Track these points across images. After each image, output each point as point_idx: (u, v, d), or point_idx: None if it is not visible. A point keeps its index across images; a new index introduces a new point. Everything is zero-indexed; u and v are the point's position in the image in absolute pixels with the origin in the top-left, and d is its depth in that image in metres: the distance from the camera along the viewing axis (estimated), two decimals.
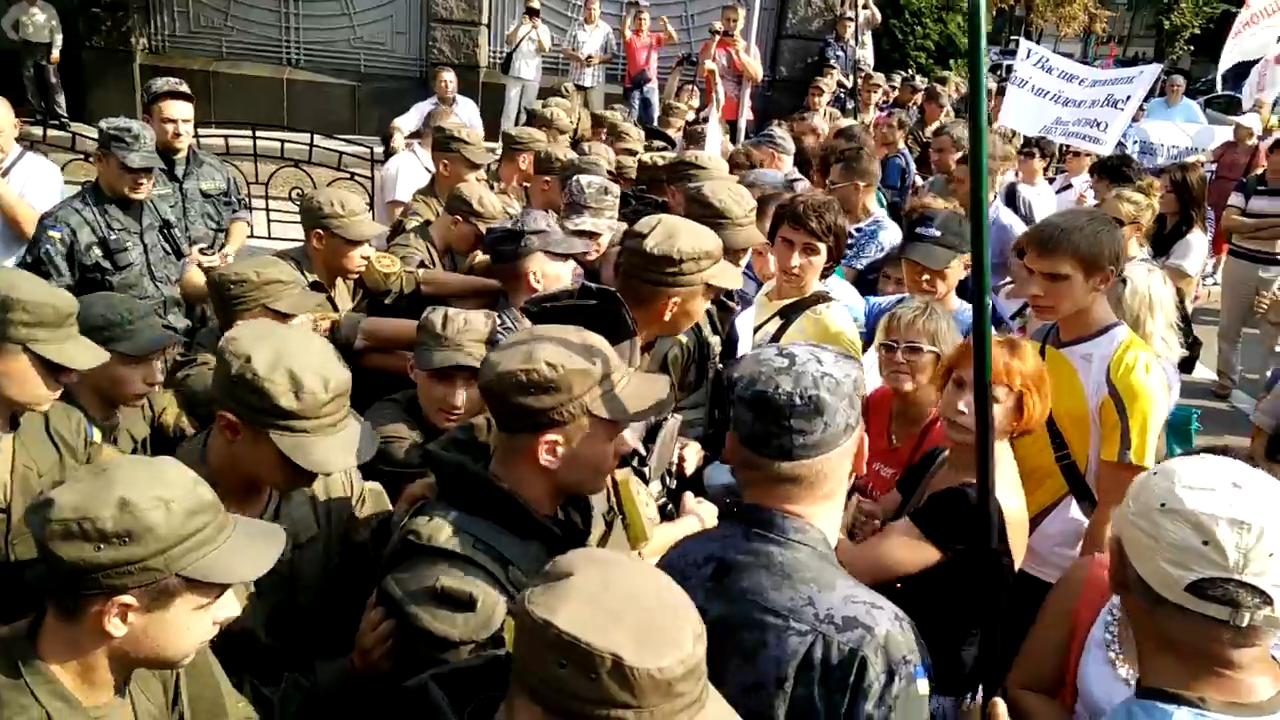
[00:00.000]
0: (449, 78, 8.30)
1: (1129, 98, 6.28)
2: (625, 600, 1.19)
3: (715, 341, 3.10)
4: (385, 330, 3.31)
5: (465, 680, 1.36)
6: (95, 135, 4.03)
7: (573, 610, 1.16)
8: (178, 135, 4.49)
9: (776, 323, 3.38)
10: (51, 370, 2.20)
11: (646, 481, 2.40)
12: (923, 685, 1.55)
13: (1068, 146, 7.62)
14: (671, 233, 2.45)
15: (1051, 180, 7.88)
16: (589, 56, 11.46)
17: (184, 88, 4.61)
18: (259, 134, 9.06)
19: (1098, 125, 6.46)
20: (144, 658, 1.52)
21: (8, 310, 2.13)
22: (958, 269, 3.48)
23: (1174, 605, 1.39)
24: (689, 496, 2.49)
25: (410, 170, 5.72)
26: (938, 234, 3.45)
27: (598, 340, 1.83)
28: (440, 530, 1.74)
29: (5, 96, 4.24)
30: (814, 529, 1.65)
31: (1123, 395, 2.84)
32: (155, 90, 4.52)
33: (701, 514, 2.44)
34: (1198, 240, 6.26)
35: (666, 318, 2.49)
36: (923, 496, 2.50)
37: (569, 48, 11.64)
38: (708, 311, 3.02)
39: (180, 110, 4.50)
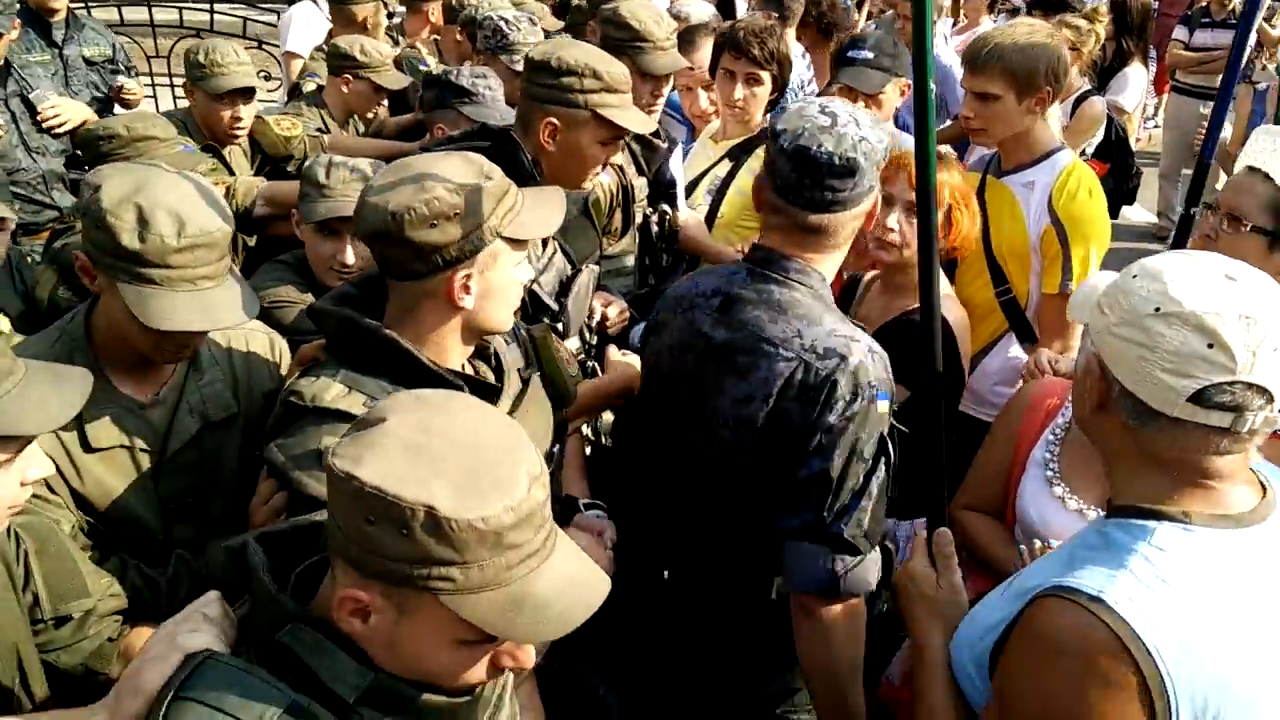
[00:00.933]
0: None
1: None
2: (446, 445, 1.06)
3: (641, 184, 2.90)
4: (285, 193, 3.05)
5: (298, 540, 1.22)
6: None
7: (381, 461, 1.03)
8: None
9: (726, 165, 3.19)
10: None
11: (563, 338, 2.25)
12: (882, 405, 1.78)
13: None
14: (560, 44, 2.23)
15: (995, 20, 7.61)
16: None
17: None
18: (155, 4, 8.44)
19: None
20: None
21: None
22: (893, 94, 3.29)
23: (1170, 419, 1.26)
24: (613, 349, 2.35)
25: (305, 17, 5.30)
26: (870, 55, 3.23)
27: (477, 158, 1.63)
28: (326, 389, 1.58)
29: None
30: (815, 273, 1.85)
31: (1065, 223, 2.73)
32: None
33: (629, 365, 2.31)
34: (1136, 73, 6.07)
35: (549, 146, 2.23)
36: None
37: None
38: (631, 151, 2.82)
39: None
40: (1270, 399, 1.23)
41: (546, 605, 1.06)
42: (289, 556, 1.19)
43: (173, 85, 8.02)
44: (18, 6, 3.87)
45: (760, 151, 3.08)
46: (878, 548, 1.82)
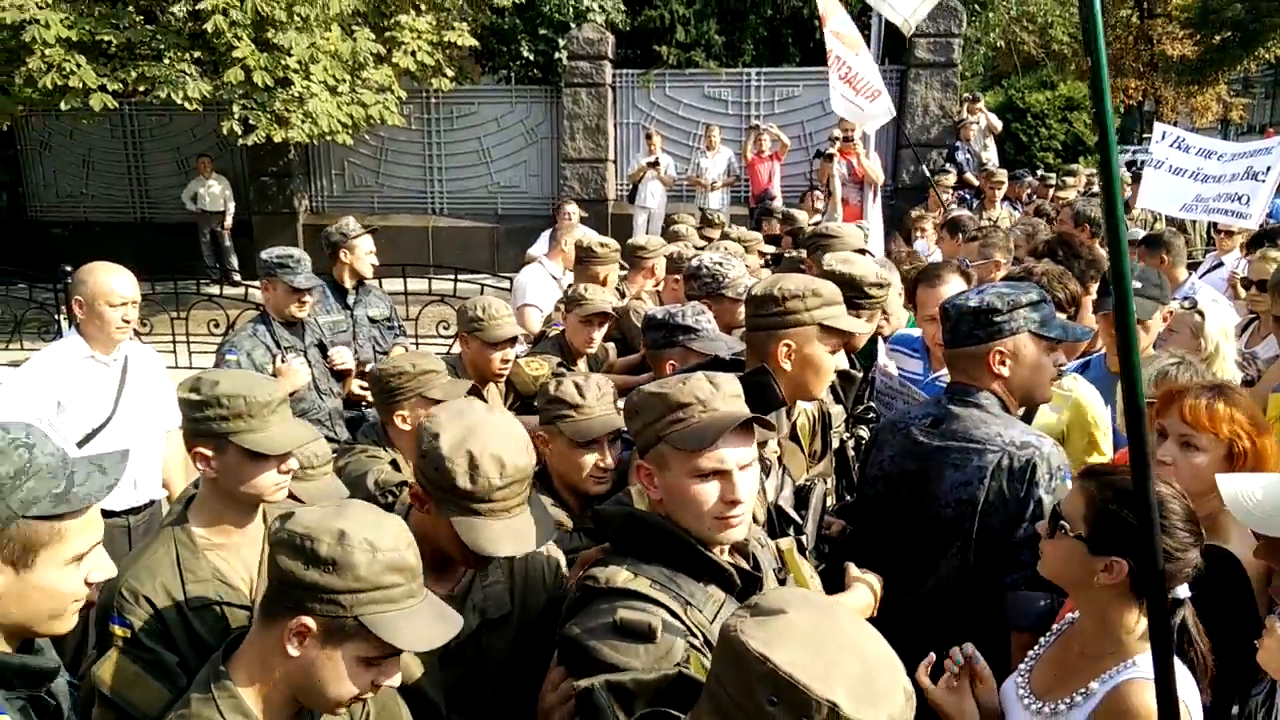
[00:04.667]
0: (569, 209, 8.61)
1: (1269, 169, 6.10)
2: (842, 647, 1.18)
3: (838, 411, 3.05)
4: (527, 425, 3.41)
5: (635, 692, 1.38)
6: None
7: (791, 649, 1.15)
8: (373, 265, 5.06)
9: None
10: (257, 459, 2.22)
11: (804, 551, 2.35)
12: (1069, 482, 2.27)
13: (1215, 225, 7.37)
14: (777, 278, 2.51)
15: (1196, 265, 7.58)
16: (713, 182, 11.87)
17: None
18: (409, 276, 9.76)
19: (1240, 199, 6.27)
20: (306, 690, 1.59)
21: (207, 408, 2.22)
22: (1159, 321, 3.38)
23: None
24: (853, 566, 2.40)
25: (537, 278, 6.06)
26: (1139, 285, 3.32)
27: (703, 375, 1.85)
28: (617, 574, 1.78)
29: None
30: (993, 396, 2.47)
31: None
32: (352, 230, 5.02)
33: (870, 582, 2.35)
34: None
35: (786, 366, 2.46)
36: None
37: (693, 175, 12.10)
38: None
39: (372, 244, 5.12)
40: None
41: None
42: (625, 705, 1.35)
43: (418, 344, 9.09)
44: (319, 282, 4.72)
45: (1055, 388, 3.05)
46: None
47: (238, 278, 12.61)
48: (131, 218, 14.49)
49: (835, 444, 3.08)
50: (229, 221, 13.22)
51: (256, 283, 4.60)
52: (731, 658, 1.19)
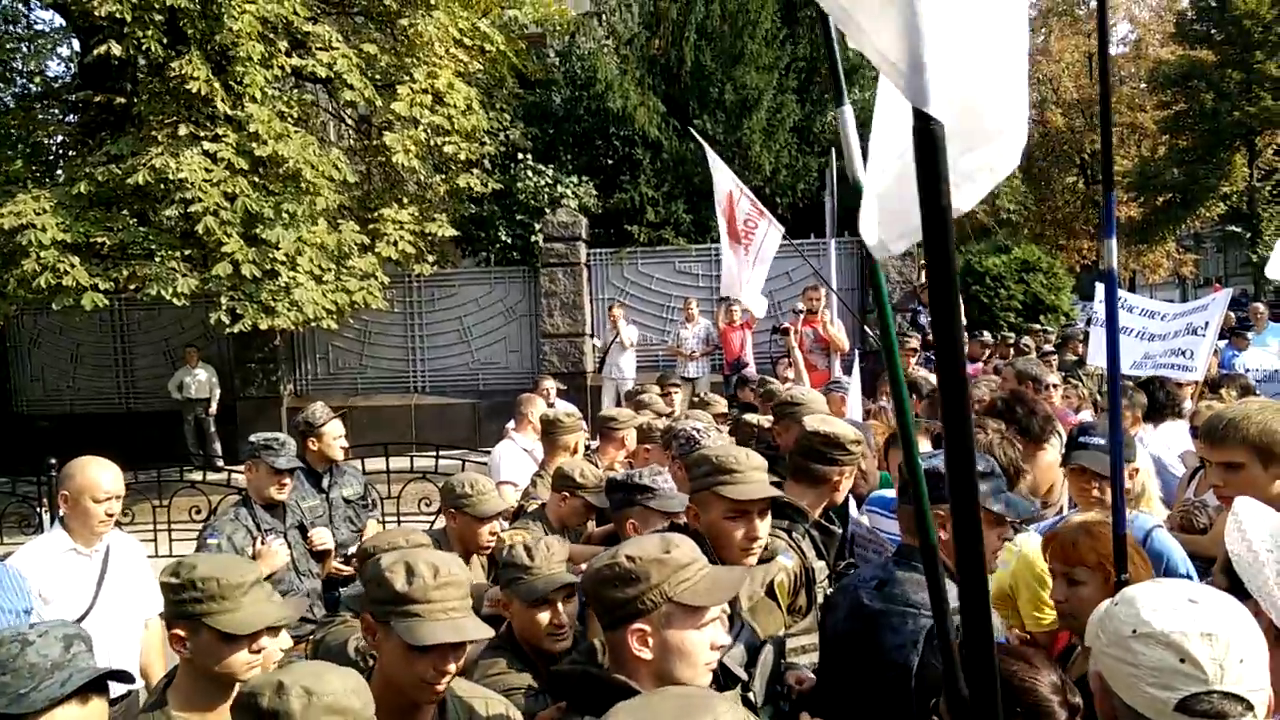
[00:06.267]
0: (547, 384, 8.86)
1: (1207, 323, 6.52)
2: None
3: (820, 566, 3.17)
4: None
5: None
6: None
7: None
8: (344, 448, 5.19)
9: None
10: (228, 639, 2.28)
11: (754, 709, 2.45)
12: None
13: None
14: (702, 449, 2.73)
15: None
16: (692, 351, 12.26)
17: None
18: (391, 454, 9.89)
19: (1184, 354, 6.64)
20: None
21: (184, 590, 2.30)
22: (1124, 476, 3.45)
23: None
24: (806, 715, 2.50)
25: (510, 454, 6.23)
26: (1102, 441, 3.34)
27: (678, 537, 2.03)
28: None
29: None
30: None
31: None
32: (318, 418, 5.14)
33: None
34: None
35: (698, 527, 2.74)
36: None
37: (673, 345, 12.50)
38: (810, 536, 3.13)
39: (342, 427, 5.25)
40: (1249, 707, 1.37)
41: None
42: None
43: (399, 520, 9.12)
44: (300, 464, 4.87)
45: (1008, 544, 3.18)
46: None
47: (220, 463, 12.71)
48: (117, 408, 14.68)
49: (820, 599, 3.18)
50: (214, 408, 13.40)
51: (239, 468, 4.74)
52: None
